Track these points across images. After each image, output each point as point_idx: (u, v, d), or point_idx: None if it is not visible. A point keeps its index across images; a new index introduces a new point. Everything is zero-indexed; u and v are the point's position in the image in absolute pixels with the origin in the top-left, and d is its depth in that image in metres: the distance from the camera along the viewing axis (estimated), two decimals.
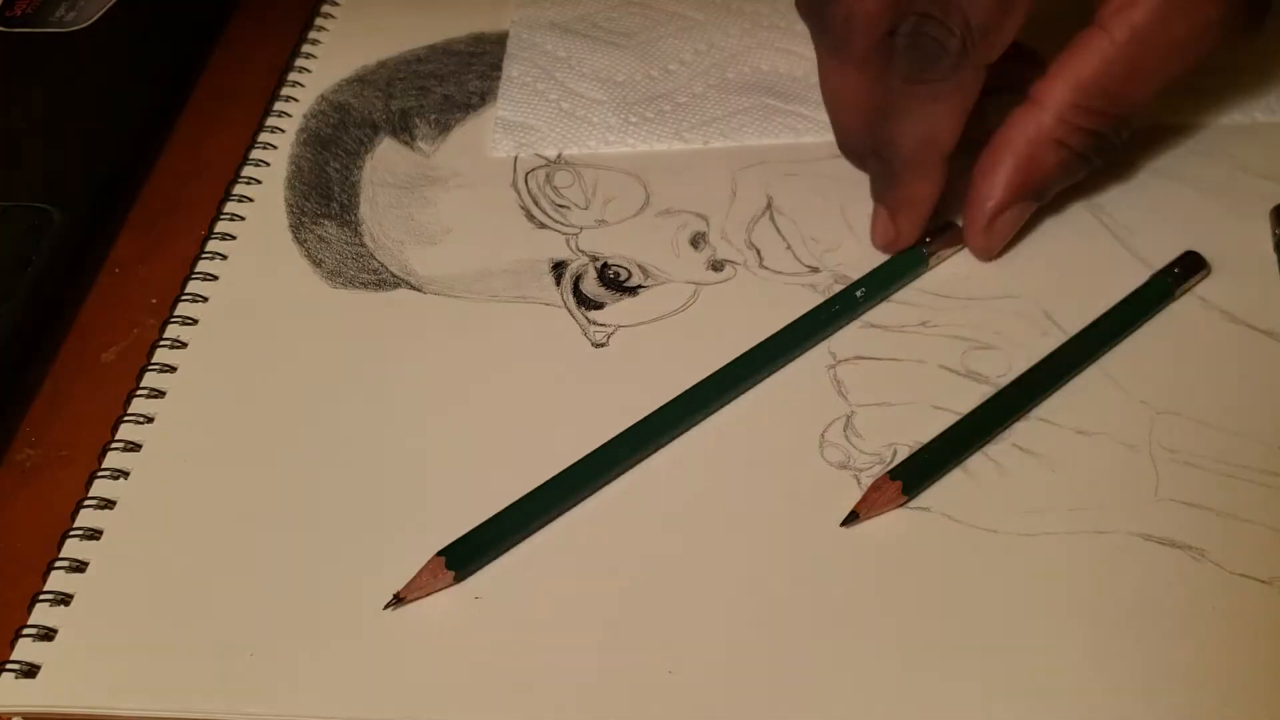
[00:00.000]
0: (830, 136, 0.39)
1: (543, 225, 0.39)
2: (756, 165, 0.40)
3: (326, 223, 0.40)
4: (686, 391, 0.33)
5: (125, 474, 0.33)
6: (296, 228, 0.39)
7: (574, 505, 0.31)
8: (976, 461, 0.32)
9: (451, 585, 0.30)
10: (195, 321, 0.37)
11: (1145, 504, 0.30)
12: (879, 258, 0.36)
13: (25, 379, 0.36)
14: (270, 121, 0.43)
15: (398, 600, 0.29)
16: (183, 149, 0.44)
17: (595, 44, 0.45)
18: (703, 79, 0.44)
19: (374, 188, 0.41)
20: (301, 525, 0.31)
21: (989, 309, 0.35)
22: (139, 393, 0.35)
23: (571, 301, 0.36)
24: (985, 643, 0.28)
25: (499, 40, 0.46)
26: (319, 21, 0.48)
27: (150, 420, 0.34)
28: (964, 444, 0.32)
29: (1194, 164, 0.39)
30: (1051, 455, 0.32)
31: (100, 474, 0.33)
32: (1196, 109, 0.41)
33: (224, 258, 0.38)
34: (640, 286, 0.37)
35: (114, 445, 0.33)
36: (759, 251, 0.38)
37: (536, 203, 0.40)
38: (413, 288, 0.37)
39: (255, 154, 0.42)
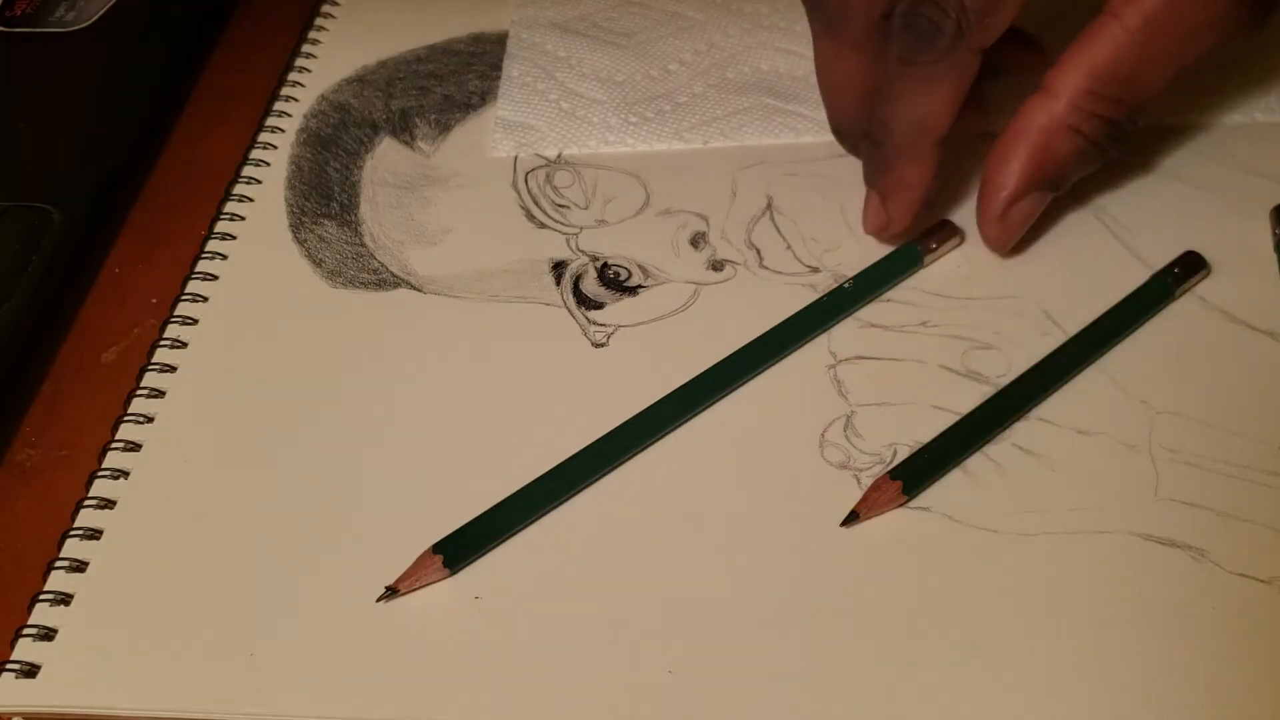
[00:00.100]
0: (831, 137, 0.39)
1: (543, 225, 0.39)
2: (756, 165, 0.40)
3: (326, 223, 0.40)
4: (680, 387, 0.33)
5: (125, 474, 0.33)
6: (296, 228, 0.39)
7: (569, 499, 0.31)
8: (976, 461, 0.32)
9: (446, 578, 0.30)
10: (195, 321, 0.37)
11: (1145, 504, 0.30)
12: (878, 258, 0.36)
13: (25, 379, 0.36)
14: (270, 121, 0.43)
15: (392, 592, 0.29)
16: (183, 149, 0.44)
17: (595, 44, 0.45)
18: (703, 79, 0.44)
19: (374, 188, 0.41)
20: (302, 525, 0.31)
21: (989, 309, 0.35)
22: (139, 393, 0.35)
23: (571, 301, 0.36)
24: (985, 643, 0.28)
25: (499, 40, 0.46)
26: (319, 21, 0.48)
27: (150, 420, 0.34)
28: (964, 444, 0.32)
29: (1194, 164, 0.39)
30: (1051, 455, 0.32)
31: (100, 474, 0.33)
32: (1196, 109, 0.41)
33: (224, 258, 0.38)
34: (640, 286, 0.37)
35: (114, 445, 0.33)
36: (759, 251, 0.38)
37: (536, 203, 0.40)
38: (413, 288, 0.37)
39: (255, 154, 0.42)
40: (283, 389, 0.35)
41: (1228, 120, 0.40)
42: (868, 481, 0.31)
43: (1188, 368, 0.33)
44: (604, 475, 0.32)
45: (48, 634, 0.29)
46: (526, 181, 0.41)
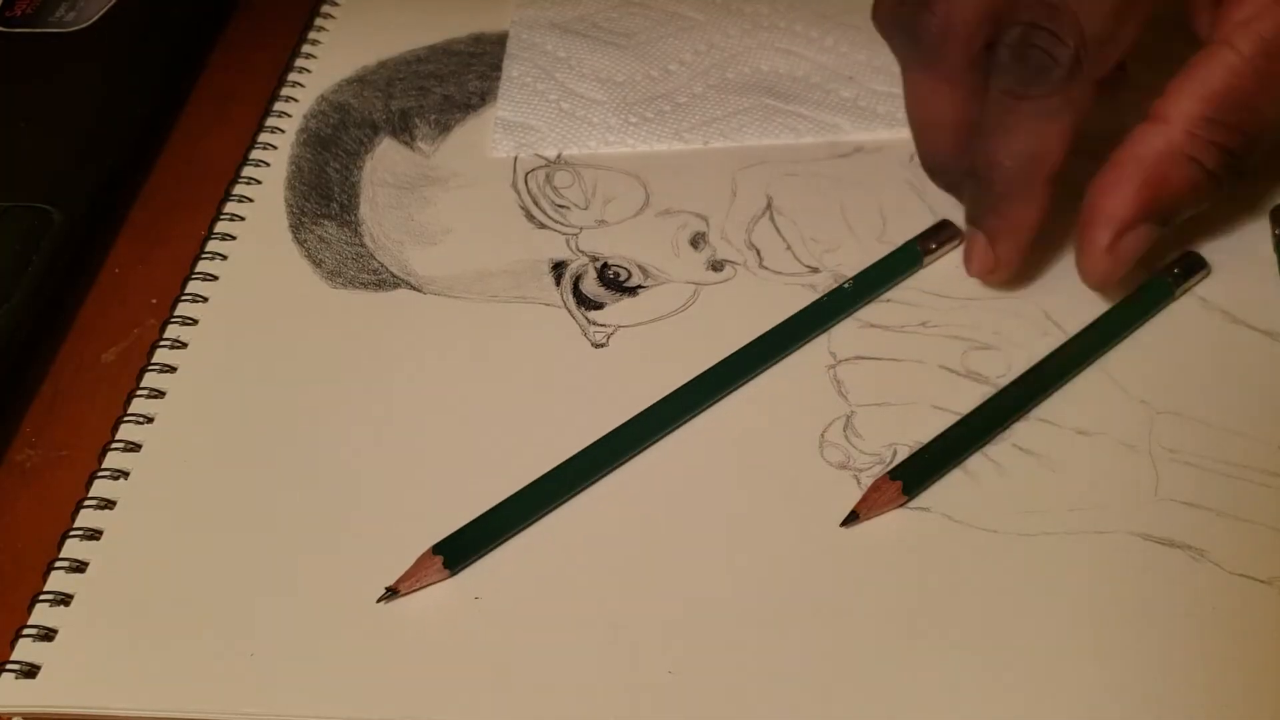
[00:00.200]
0: (831, 137, 0.39)
1: (543, 225, 0.39)
2: (756, 165, 0.40)
3: (326, 223, 0.40)
4: (680, 388, 0.33)
5: (125, 474, 0.33)
6: (296, 228, 0.39)
7: (569, 500, 0.31)
8: (976, 461, 0.32)
9: (446, 579, 0.30)
10: (195, 321, 0.37)
11: (1145, 504, 0.30)
12: (878, 258, 0.36)
13: (25, 379, 0.36)
14: (270, 122, 0.43)
15: (392, 593, 0.29)
16: (183, 149, 0.44)
17: (595, 44, 0.45)
18: (702, 79, 0.44)
19: (374, 188, 0.41)
20: (302, 525, 0.31)
21: (989, 309, 0.35)
22: (139, 393, 0.35)
23: (571, 301, 0.36)
24: (985, 643, 0.28)
25: (499, 40, 0.46)
26: (319, 21, 0.48)
27: (150, 420, 0.34)
28: (964, 444, 0.32)
29: None
30: (1051, 455, 0.32)
31: (100, 474, 0.33)
32: None
33: (224, 258, 0.38)
34: (640, 286, 0.37)
35: (114, 445, 0.33)
36: (759, 251, 0.38)
37: (536, 203, 0.40)
38: (413, 288, 0.37)
39: (255, 154, 0.42)
40: (283, 389, 0.35)
41: None
42: (867, 481, 0.31)
43: (1188, 368, 0.33)
44: (604, 476, 0.32)
45: (48, 634, 0.29)
46: (526, 182, 0.41)
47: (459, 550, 0.30)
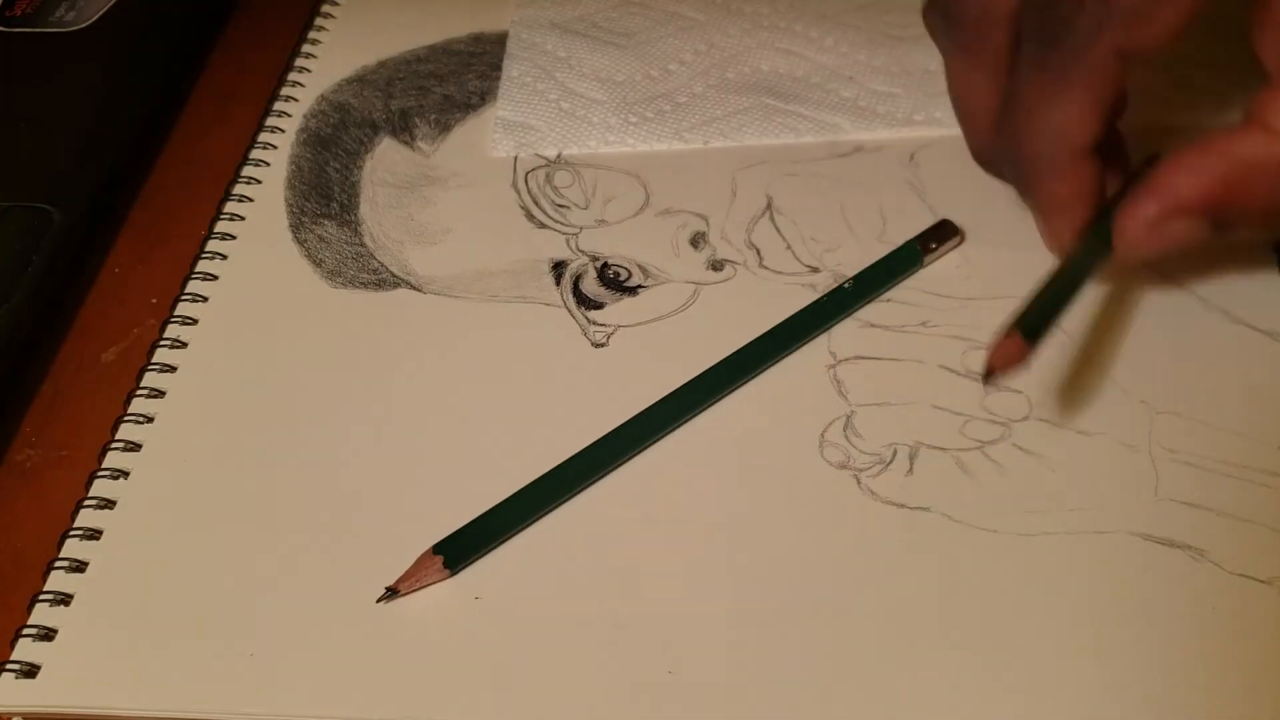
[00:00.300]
0: (830, 136, 0.39)
1: (543, 225, 0.39)
2: (756, 165, 0.40)
3: (326, 223, 0.40)
4: (680, 388, 0.33)
5: (125, 474, 0.33)
6: (296, 228, 0.39)
7: (568, 500, 0.31)
8: (976, 461, 0.32)
9: (446, 579, 0.30)
10: (195, 321, 0.37)
11: (1145, 504, 0.30)
12: (878, 258, 0.36)
13: (25, 379, 0.36)
14: (270, 121, 0.43)
15: (392, 593, 0.29)
16: (183, 149, 0.44)
17: (595, 44, 0.45)
18: (702, 79, 0.44)
19: (374, 188, 0.41)
20: (302, 525, 0.31)
21: (989, 309, 0.35)
22: (139, 393, 0.35)
23: (571, 301, 0.36)
24: (985, 643, 0.28)
25: (499, 40, 0.46)
26: (319, 21, 0.48)
27: (150, 420, 0.34)
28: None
29: None
30: (1051, 455, 0.32)
31: (100, 474, 0.33)
32: (1196, 109, 0.41)
33: (224, 258, 0.38)
34: (640, 286, 0.37)
35: (114, 445, 0.33)
36: (759, 251, 0.38)
37: (536, 203, 0.40)
38: (413, 288, 0.37)
39: (255, 154, 0.42)
40: (283, 389, 0.35)
41: (1228, 120, 0.40)
42: (868, 481, 0.31)
43: (1188, 368, 0.33)
44: (604, 475, 0.32)
45: (48, 634, 0.29)
46: (526, 181, 0.41)
47: (459, 550, 0.30)
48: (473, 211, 0.40)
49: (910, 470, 0.32)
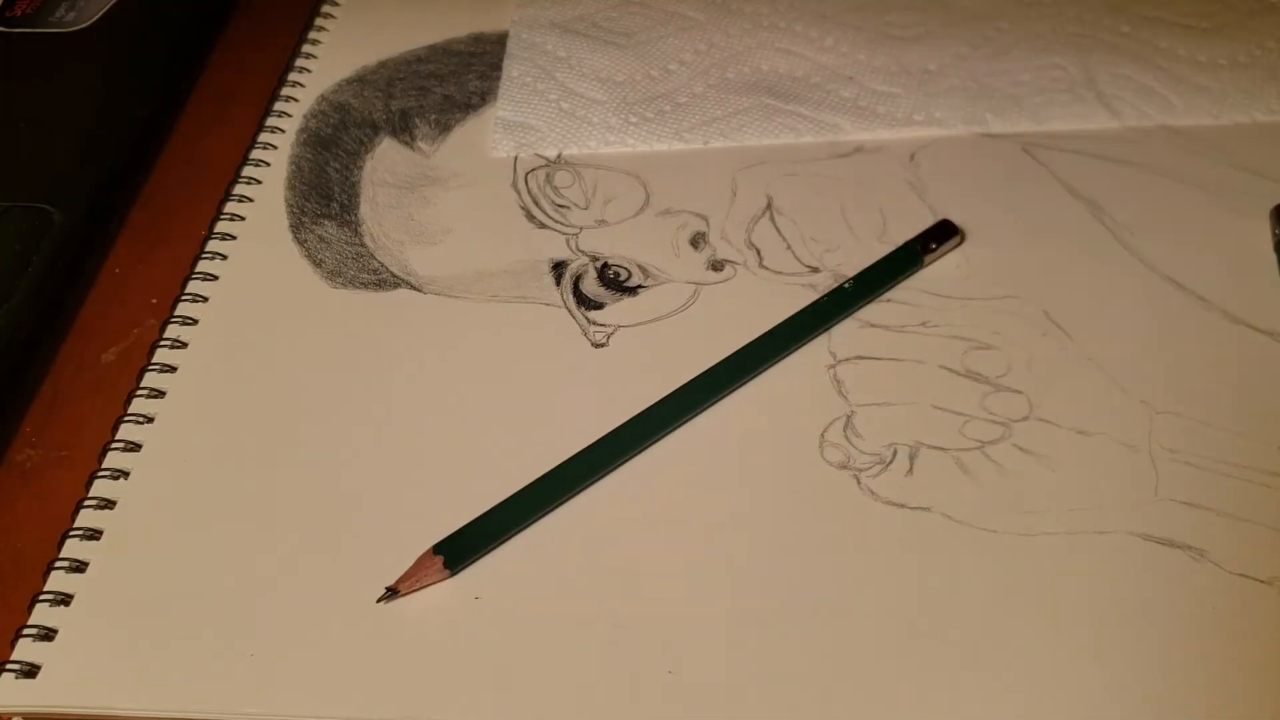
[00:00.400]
0: (830, 137, 0.39)
1: (543, 225, 0.39)
2: (756, 165, 0.40)
3: (326, 223, 0.40)
4: (680, 388, 0.33)
5: (125, 474, 0.33)
6: (296, 228, 0.39)
7: (567, 500, 0.31)
8: (976, 461, 0.32)
9: (446, 579, 0.30)
10: (195, 321, 0.37)
11: (1145, 504, 0.31)
12: (878, 258, 0.36)
13: (25, 379, 0.36)
14: (270, 122, 0.43)
15: (392, 593, 0.29)
16: (183, 149, 0.44)
17: (595, 44, 0.45)
18: (703, 79, 0.44)
19: (374, 188, 0.41)
20: (302, 525, 0.31)
21: (989, 309, 0.35)
22: (139, 393, 0.35)
23: (571, 301, 0.36)
24: (985, 643, 0.28)
25: (499, 40, 0.46)
26: (319, 21, 0.48)
27: (150, 420, 0.34)
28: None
29: (1194, 164, 0.39)
30: (1051, 455, 0.32)
31: (100, 474, 0.33)
32: (1196, 109, 0.41)
33: (224, 258, 0.38)
34: (640, 286, 0.37)
35: (114, 445, 0.33)
36: (759, 251, 0.38)
37: (536, 203, 0.40)
38: (413, 288, 0.37)
39: (255, 154, 0.42)
40: (283, 389, 0.35)
41: (1227, 120, 0.40)
42: (868, 481, 0.31)
43: (1188, 368, 0.33)
44: (604, 476, 0.32)
45: (48, 634, 0.29)
46: (526, 181, 0.41)
47: (459, 550, 0.30)
48: (473, 212, 0.40)
49: (910, 470, 0.32)
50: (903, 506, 0.31)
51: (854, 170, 0.39)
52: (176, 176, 0.43)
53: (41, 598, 0.30)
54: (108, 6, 0.47)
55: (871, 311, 0.36)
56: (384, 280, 0.38)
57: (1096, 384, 0.33)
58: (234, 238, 0.39)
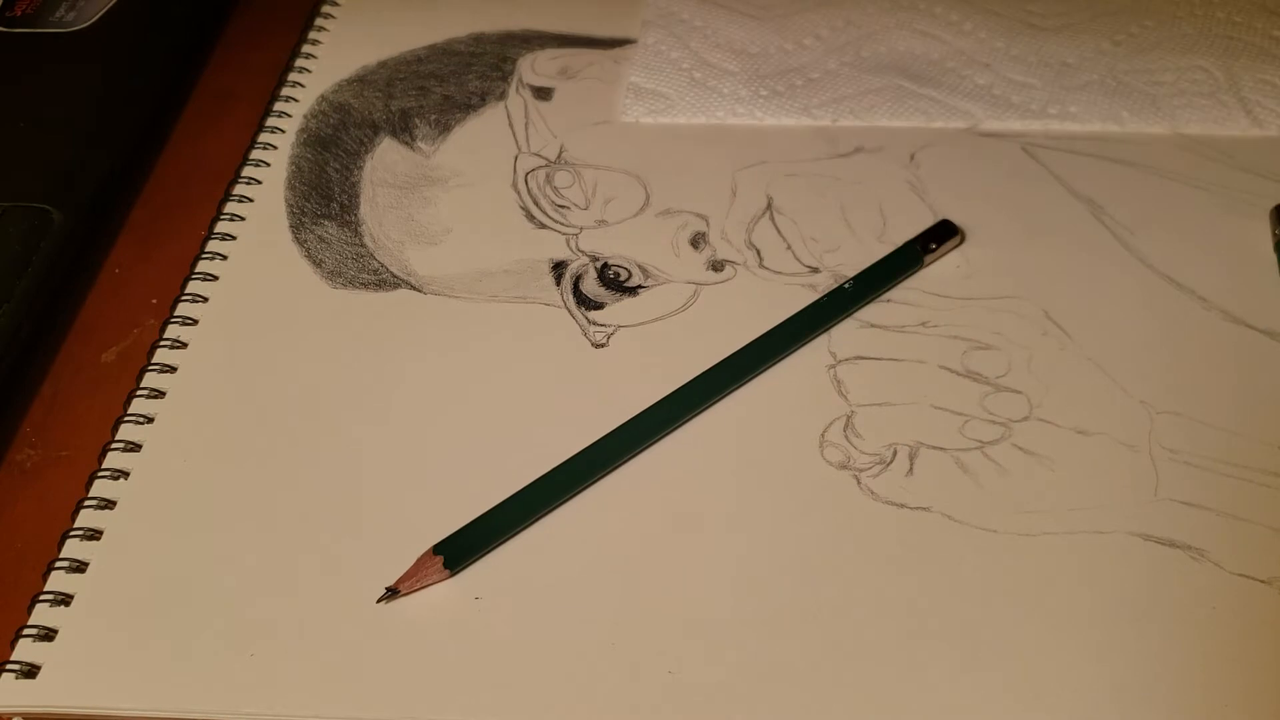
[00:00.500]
0: (961, 123, 0.38)
1: (543, 225, 0.39)
2: (756, 165, 0.40)
3: (327, 223, 0.40)
4: (680, 388, 0.33)
5: (125, 474, 0.33)
6: (296, 228, 0.39)
7: (568, 500, 0.31)
8: (976, 461, 0.32)
9: (446, 579, 0.30)
10: (195, 321, 0.37)
11: (1145, 504, 0.31)
12: (878, 258, 0.36)
13: (25, 379, 0.36)
14: (270, 122, 0.43)
15: (392, 593, 0.29)
16: (183, 149, 0.44)
17: (732, 14, 0.45)
18: (837, 55, 0.43)
19: (374, 188, 0.41)
20: (302, 525, 0.31)
21: (989, 309, 0.35)
22: (139, 393, 0.35)
23: (571, 301, 0.36)
24: (985, 642, 0.28)
25: (499, 40, 0.46)
26: (319, 21, 0.48)
27: (150, 420, 0.34)
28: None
29: (1194, 164, 0.39)
30: (1051, 455, 0.32)
31: (100, 474, 0.33)
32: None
33: (224, 258, 0.38)
34: (640, 286, 0.37)
35: (114, 445, 0.33)
36: (759, 251, 0.38)
37: (536, 203, 0.40)
38: (413, 288, 0.37)
39: (255, 154, 0.42)
40: (283, 389, 0.35)
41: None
42: (868, 481, 0.31)
43: (1188, 368, 0.33)
44: (604, 476, 0.32)
45: (48, 634, 0.29)
46: (526, 182, 0.41)
47: (459, 550, 0.30)
48: (473, 212, 0.40)
49: (910, 470, 0.32)
50: (903, 506, 0.31)
51: (854, 170, 0.39)
52: (176, 176, 0.43)
53: (41, 598, 0.30)
54: (108, 6, 0.47)
55: (871, 311, 0.36)
56: (384, 280, 0.38)
57: (1096, 384, 0.33)
58: (234, 238, 0.39)
